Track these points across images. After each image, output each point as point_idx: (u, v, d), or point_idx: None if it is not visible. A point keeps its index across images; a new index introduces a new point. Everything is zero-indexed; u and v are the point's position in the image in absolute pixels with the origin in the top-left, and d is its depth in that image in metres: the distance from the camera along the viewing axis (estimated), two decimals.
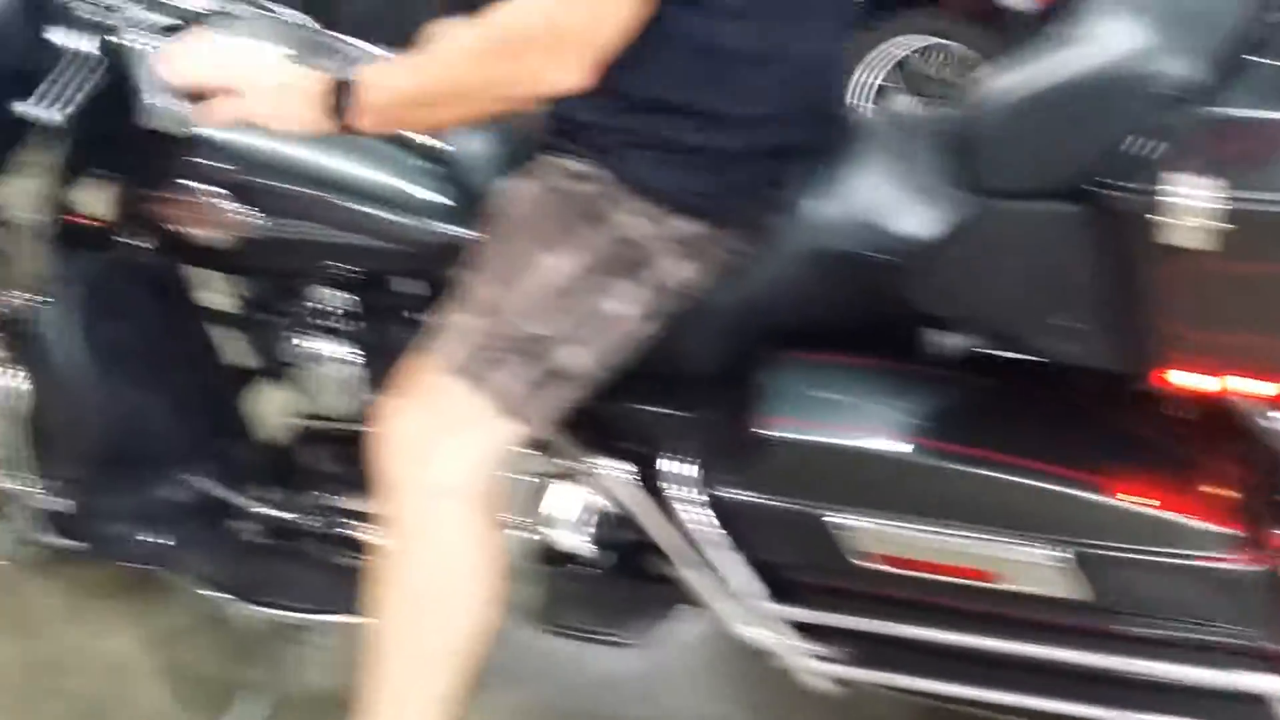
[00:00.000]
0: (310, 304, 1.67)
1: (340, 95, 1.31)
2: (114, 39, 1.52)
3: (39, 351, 1.66)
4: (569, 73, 1.25)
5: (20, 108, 1.52)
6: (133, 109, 1.52)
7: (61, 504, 1.71)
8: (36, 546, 1.74)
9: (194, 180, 1.58)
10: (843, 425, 1.42)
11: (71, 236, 1.82)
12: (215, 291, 1.81)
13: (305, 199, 1.57)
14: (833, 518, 1.40)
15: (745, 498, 1.45)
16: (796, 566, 1.49)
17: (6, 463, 1.70)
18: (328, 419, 1.73)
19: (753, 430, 1.43)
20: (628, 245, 1.37)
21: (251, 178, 1.57)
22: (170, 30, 1.54)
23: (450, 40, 1.37)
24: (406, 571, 1.40)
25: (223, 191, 1.57)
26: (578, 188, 1.38)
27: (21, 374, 1.66)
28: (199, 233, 1.60)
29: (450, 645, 1.43)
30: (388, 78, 1.33)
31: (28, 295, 1.66)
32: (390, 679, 1.44)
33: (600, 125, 1.37)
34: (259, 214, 1.56)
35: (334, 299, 1.66)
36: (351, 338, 1.66)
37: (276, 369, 1.74)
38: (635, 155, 1.36)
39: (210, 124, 1.45)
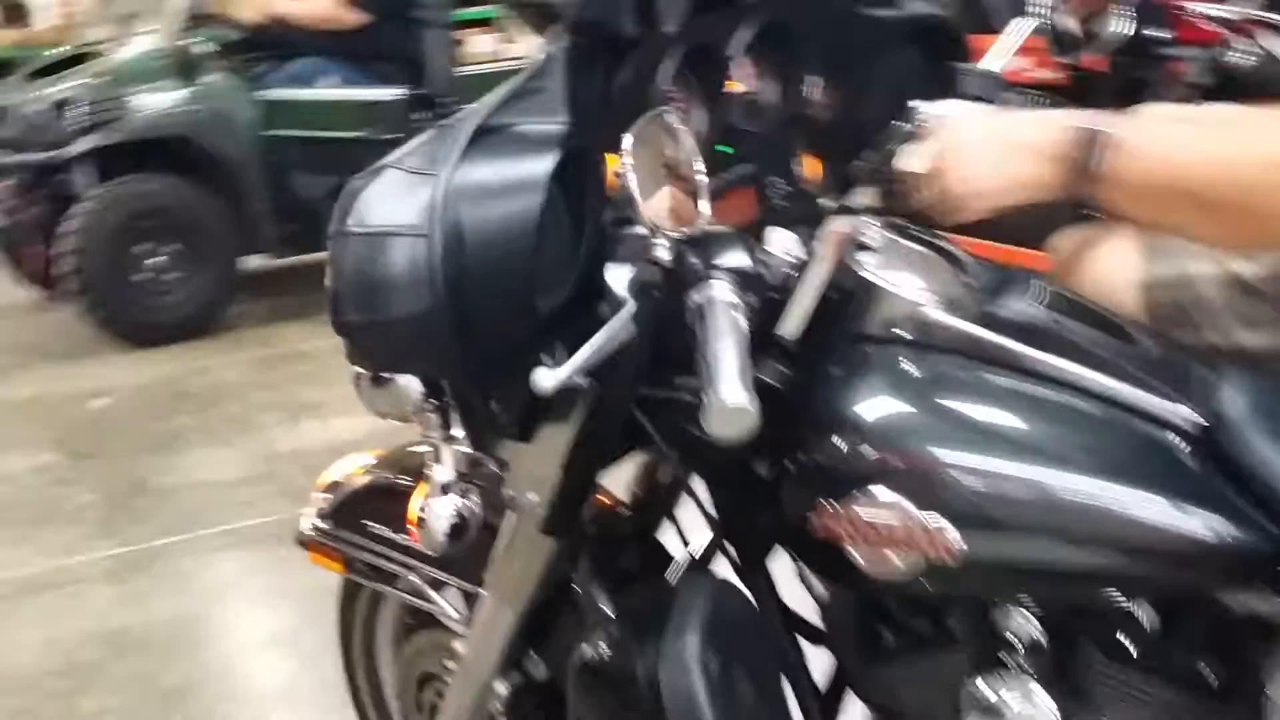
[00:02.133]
0: (984, 633, 1.19)
1: (1087, 151, 0.97)
2: (698, 299, 1.05)
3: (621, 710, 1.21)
4: None
5: (545, 380, 1.04)
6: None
7: None
8: None
9: (828, 479, 1.13)
10: None
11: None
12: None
13: (1028, 506, 1.08)
14: None
15: None
16: None
17: None
18: None
19: None
20: None
21: (946, 474, 1.10)
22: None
23: (1269, 117, 0.94)
24: None
25: (887, 499, 1.10)
26: None
27: None
28: (860, 557, 1.13)
29: None
30: (1161, 141, 0.97)
31: (602, 638, 1.23)
32: None
33: None
34: (953, 529, 1.09)
35: (1023, 628, 1.17)
36: (1037, 678, 1.16)
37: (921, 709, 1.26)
38: None
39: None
